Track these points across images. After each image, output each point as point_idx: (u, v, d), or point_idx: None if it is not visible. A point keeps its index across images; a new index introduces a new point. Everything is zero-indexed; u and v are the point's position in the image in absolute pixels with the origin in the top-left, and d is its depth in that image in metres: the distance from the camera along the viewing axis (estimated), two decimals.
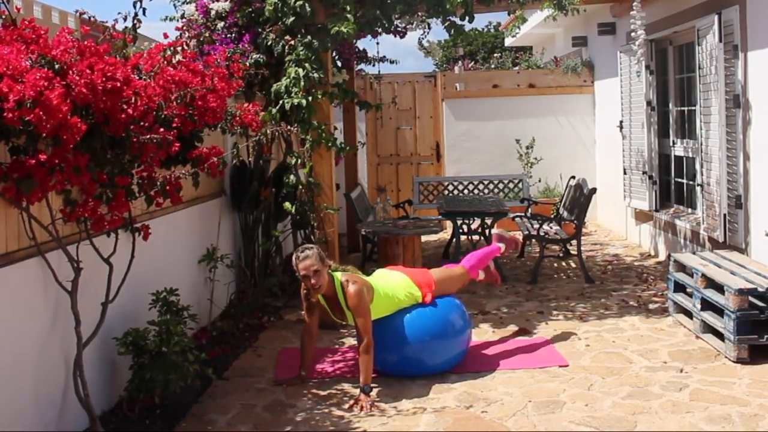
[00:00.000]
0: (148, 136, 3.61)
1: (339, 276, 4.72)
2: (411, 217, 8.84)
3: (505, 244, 5.92)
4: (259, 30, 6.41)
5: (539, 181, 11.12)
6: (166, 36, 4.89)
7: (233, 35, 6.57)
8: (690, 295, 5.75)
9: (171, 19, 6.74)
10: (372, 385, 4.58)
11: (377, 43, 8.75)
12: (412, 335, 4.86)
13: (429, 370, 4.92)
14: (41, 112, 2.97)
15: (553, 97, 11.39)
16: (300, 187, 6.22)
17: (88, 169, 3.43)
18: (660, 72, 8.55)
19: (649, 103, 8.55)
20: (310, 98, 5.97)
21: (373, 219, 8.72)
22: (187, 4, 6.81)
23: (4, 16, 3.43)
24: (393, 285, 4.96)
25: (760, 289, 4.97)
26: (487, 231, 8.13)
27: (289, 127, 5.84)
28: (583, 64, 11.33)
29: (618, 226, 10.25)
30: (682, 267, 6.05)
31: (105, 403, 4.34)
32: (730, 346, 4.97)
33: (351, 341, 5.77)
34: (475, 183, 10.32)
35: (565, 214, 8.64)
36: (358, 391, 4.55)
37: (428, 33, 7.83)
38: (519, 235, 9.39)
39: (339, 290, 4.68)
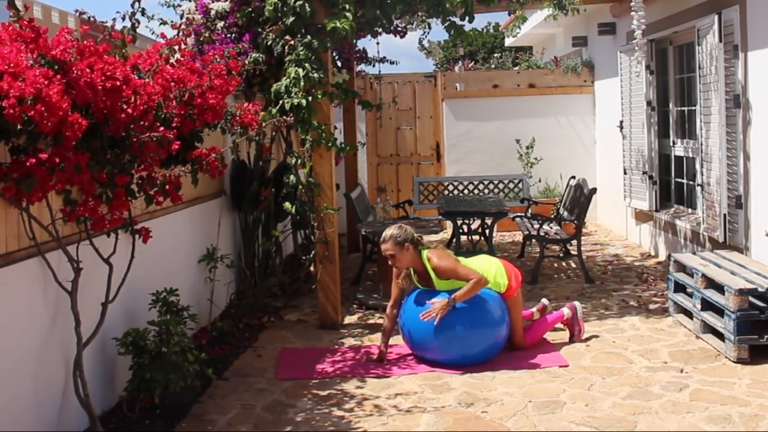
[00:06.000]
0: (147, 135, 3.60)
1: (426, 253, 5.23)
2: (411, 217, 8.84)
3: (572, 314, 5.66)
4: (259, 30, 6.40)
5: (539, 181, 11.11)
6: (163, 36, 4.88)
7: (233, 35, 6.56)
8: (690, 295, 5.75)
9: (166, 24, 6.71)
10: (369, 381, 4.67)
11: (377, 43, 8.75)
12: (451, 324, 5.01)
13: (467, 360, 5.08)
14: (42, 108, 2.97)
15: (553, 97, 11.38)
16: (300, 187, 6.21)
17: (89, 168, 3.43)
18: (660, 72, 8.55)
19: (649, 103, 8.55)
20: (310, 98, 5.96)
21: (373, 219, 8.72)
22: (187, 0, 6.80)
23: (12, 13, 3.41)
24: (483, 267, 5.28)
25: (760, 289, 4.97)
26: (487, 231, 8.13)
27: (285, 117, 5.82)
28: (583, 64, 11.33)
29: (618, 226, 10.24)
30: (682, 267, 6.05)
31: (105, 403, 4.34)
32: (731, 346, 4.97)
33: (351, 341, 5.78)
34: (475, 183, 10.32)
35: (565, 214, 8.64)
36: (359, 390, 4.56)
37: (428, 33, 7.81)
38: (520, 235, 9.44)
39: (427, 264, 5.17)
